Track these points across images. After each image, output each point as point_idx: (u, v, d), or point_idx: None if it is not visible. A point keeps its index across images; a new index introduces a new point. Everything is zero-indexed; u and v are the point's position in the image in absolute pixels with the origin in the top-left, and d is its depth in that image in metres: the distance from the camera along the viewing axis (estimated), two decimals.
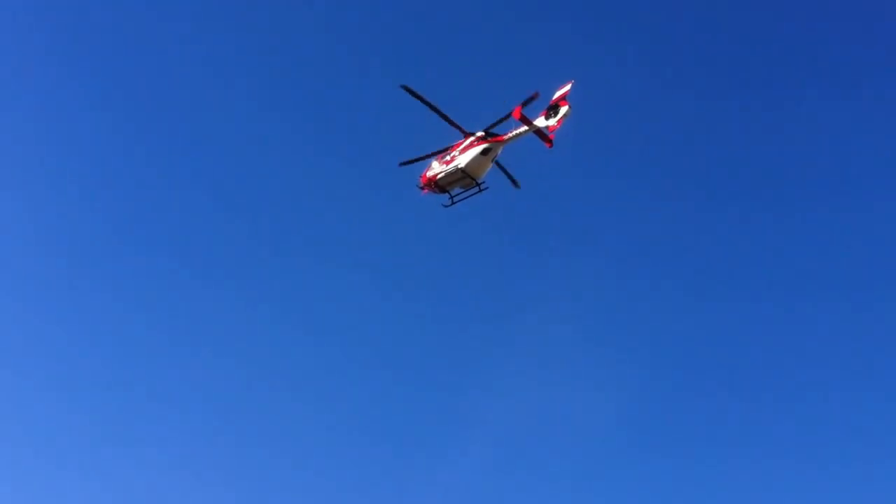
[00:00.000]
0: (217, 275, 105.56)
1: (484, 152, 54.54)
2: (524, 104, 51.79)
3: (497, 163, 55.94)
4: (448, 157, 56.19)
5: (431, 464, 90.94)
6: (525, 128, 52.66)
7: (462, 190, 56.61)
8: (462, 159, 55.12)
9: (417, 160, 57.47)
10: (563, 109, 51.45)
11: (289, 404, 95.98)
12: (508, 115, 52.95)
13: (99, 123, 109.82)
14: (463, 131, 55.69)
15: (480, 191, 56.01)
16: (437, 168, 56.80)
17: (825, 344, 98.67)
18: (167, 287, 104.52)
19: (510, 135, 53.81)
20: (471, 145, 55.08)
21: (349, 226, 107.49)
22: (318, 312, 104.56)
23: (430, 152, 57.25)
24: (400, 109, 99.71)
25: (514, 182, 57.04)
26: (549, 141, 53.11)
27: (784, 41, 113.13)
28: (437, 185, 56.73)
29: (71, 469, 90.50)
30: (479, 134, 55.05)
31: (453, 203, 57.08)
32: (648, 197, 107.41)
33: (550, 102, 52.04)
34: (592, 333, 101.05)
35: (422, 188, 57.77)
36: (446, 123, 55.27)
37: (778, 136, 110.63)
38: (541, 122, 52.15)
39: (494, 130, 54.99)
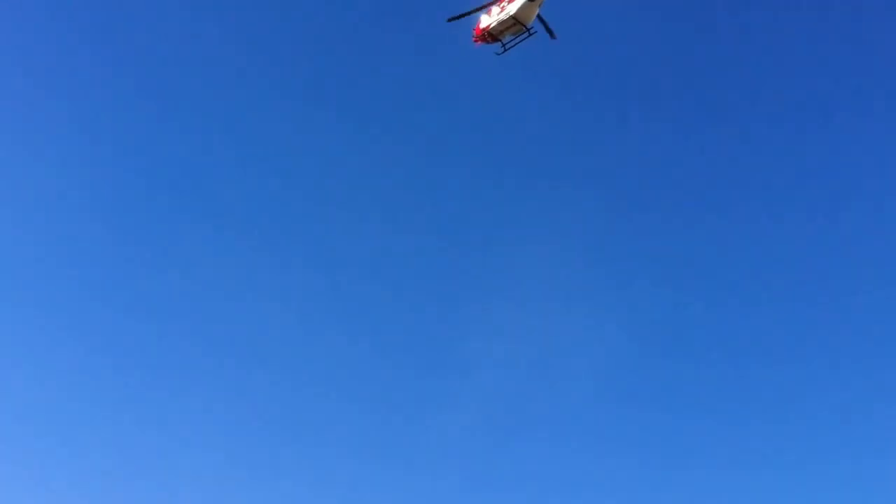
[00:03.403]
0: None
1: None
2: None
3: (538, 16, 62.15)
4: (498, 8, 62.75)
5: (430, 406, 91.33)
6: None
7: (513, 37, 63.27)
8: (512, 7, 61.79)
9: (466, 15, 63.33)
10: None
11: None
12: None
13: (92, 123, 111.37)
14: None
15: (530, 35, 62.66)
16: (488, 20, 63.42)
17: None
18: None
19: None
20: None
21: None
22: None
23: (478, 6, 63.15)
24: None
25: (550, 33, 62.59)
26: None
27: None
28: (490, 35, 63.47)
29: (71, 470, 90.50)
30: None
31: (505, 50, 63.83)
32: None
33: None
34: (591, 258, 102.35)
35: (475, 40, 64.49)
36: None
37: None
38: None
39: None
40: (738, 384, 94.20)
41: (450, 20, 63.69)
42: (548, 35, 63.10)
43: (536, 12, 61.88)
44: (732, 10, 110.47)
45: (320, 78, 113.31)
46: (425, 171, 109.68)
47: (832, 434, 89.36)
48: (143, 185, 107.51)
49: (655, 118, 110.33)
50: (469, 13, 63.40)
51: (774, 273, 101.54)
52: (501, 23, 62.46)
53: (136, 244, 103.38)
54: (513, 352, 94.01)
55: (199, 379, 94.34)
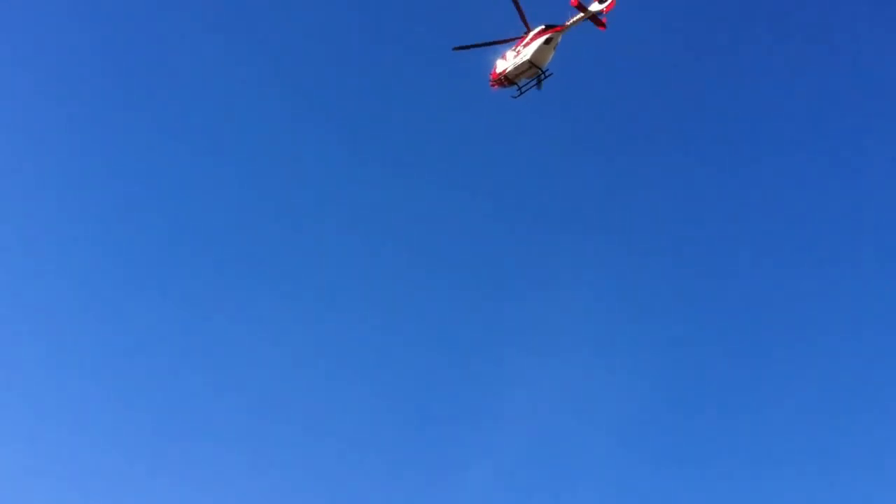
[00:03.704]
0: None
1: (547, 42, 63.07)
2: None
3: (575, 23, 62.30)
4: (514, 53, 64.75)
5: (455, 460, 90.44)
6: (581, 14, 61.09)
7: (529, 80, 65.08)
8: (528, 52, 63.67)
9: (472, 47, 65.20)
10: None
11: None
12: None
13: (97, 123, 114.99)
14: (521, 35, 64.26)
15: (546, 77, 64.42)
16: (504, 64, 65.36)
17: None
18: None
19: (568, 23, 62.15)
20: (533, 38, 63.59)
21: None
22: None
23: (484, 42, 65.16)
24: None
25: (598, 23, 61.56)
26: (603, 24, 61.55)
27: None
28: (507, 79, 65.29)
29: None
30: (540, 27, 63.57)
31: (522, 93, 65.55)
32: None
33: None
34: (616, 311, 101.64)
35: (492, 85, 66.38)
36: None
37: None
38: (594, 6, 60.64)
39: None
40: (763, 443, 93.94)
41: (456, 49, 65.37)
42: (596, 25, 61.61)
43: (552, 55, 63.66)
44: (757, 67, 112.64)
45: (333, 125, 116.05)
46: (446, 220, 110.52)
47: (858, 485, 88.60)
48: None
49: (681, 167, 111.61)
50: (476, 46, 65.17)
51: (800, 333, 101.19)
52: (517, 67, 64.19)
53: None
54: (536, 405, 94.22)
55: (224, 442, 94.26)
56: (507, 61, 65.12)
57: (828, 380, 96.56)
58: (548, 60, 63.83)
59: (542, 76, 64.37)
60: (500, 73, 65.38)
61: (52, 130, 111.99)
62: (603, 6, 60.25)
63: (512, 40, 65.01)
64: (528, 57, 63.61)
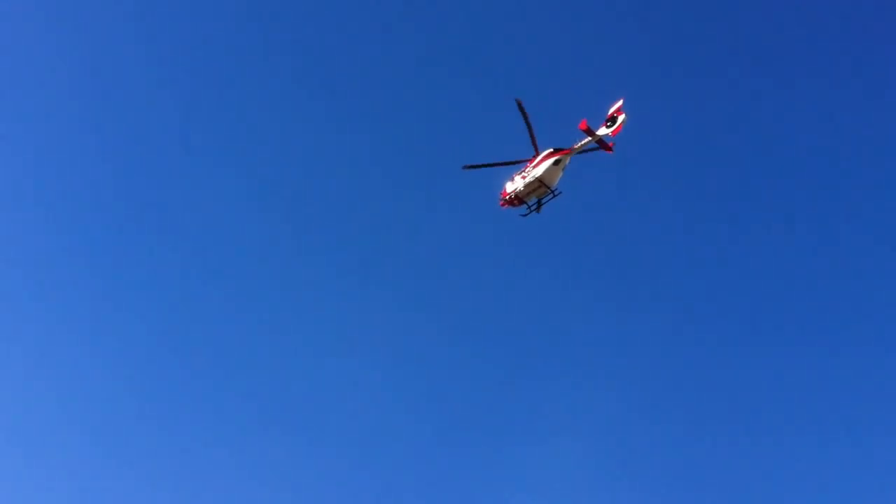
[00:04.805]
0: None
1: (556, 163, 66.20)
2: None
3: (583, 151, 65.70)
4: (523, 174, 67.89)
5: None
6: (588, 138, 64.49)
7: (538, 199, 68.00)
8: (537, 171, 66.74)
9: (482, 166, 68.65)
10: (621, 118, 63.44)
11: None
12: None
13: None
14: (529, 157, 67.74)
15: (555, 196, 67.36)
16: (513, 186, 68.36)
17: None
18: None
19: (577, 145, 65.49)
20: (542, 159, 66.83)
21: None
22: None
23: (493, 162, 68.57)
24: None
25: (605, 147, 64.59)
26: (610, 148, 64.95)
27: None
28: (517, 198, 68.10)
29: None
30: (549, 150, 66.90)
31: (531, 211, 68.33)
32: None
33: (608, 115, 64.11)
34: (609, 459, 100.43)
35: (501, 204, 69.25)
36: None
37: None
38: (602, 131, 64.09)
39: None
40: None
41: (465, 168, 68.55)
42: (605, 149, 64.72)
43: (560, 175, 66.74)
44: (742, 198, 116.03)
45: (332, 251, 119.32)
46: (438, 365, 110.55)
47: None
48: None
49: (681, 312, 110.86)
50: (486, 165, 68.45)
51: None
52: (527, 185, 67.03)
53: None
54: None
55: None
56: (516, 182, 68.09)
57: None
58: (556, 180, 66.77)
59: (552, 195, 67.38)
60: (510, 193, 68.31)
61: None
62: (610, 130, 63.69)
63: (521, 162, 68.40)
64: (537, 175, 66.54)
